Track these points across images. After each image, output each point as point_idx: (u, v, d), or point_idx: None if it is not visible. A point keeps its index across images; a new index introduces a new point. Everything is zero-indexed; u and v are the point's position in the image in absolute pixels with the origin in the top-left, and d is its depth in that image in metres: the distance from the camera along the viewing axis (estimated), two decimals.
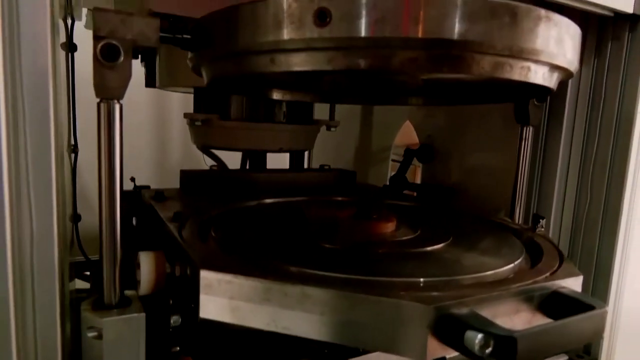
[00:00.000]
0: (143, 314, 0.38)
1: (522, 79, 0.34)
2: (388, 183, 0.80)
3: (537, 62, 0.34)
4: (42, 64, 0.32)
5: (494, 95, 0.53)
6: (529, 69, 0.34)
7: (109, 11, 0.36)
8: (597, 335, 0.32)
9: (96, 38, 0.35)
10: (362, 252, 0.42)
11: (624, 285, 0.59)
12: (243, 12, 0.34)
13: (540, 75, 0.35)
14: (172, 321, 0.40)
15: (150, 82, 0.76)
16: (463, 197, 0.74)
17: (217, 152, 0.77)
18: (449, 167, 0.78)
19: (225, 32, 0.36)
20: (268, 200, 0.62)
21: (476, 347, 0.28)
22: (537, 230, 0.53)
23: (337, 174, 0.77)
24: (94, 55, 0.36)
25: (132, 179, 0.67)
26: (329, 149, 1.11)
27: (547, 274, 0.37)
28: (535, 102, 0.58)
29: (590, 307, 0.32)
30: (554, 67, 0.36)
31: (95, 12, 0.35)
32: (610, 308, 0.58)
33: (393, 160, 1.04)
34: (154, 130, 1.28)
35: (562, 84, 0.60)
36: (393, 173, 0.86)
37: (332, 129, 0.79)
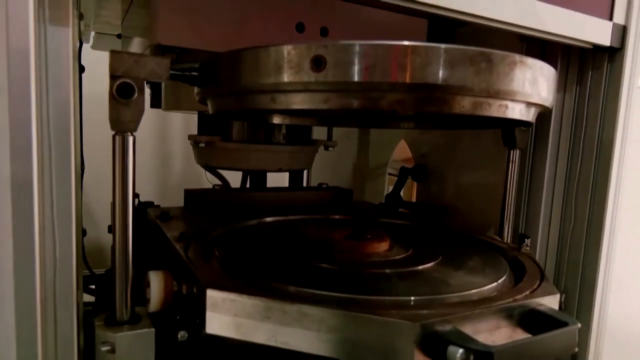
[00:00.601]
0: (153, 330, 0.41)
1: (501, 115, 0.38)
2: (384, 201, 0.83)
3: (513, 100, 0.38)
4: (65, 95, 0.36)
5: (480, 123, 0.56)
6: (506, 106, 0.38)
7: (123, 53, 0.40)
8: (570, 349, 0.35)
9: (112, 77, 0.39)
10: (356, 271, 0.46)
11: (608, 299, 0.63)
12: (247, 56, 0.38)
13: (517, 112, 0.39)
14: (179, 336, 0.43)
15: (155, 103, 0.80)
16: (455, 215, 0.77)
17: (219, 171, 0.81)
18: (442, 185, 0.81)
19: (230, 73, 0.40)
20: (268, 219, 0.66)
21: None
22: (523, 249, 0.56)
23: (334, 192, 0.81)
24: (110, 93, 0.40)
25: (136, 196, 0.70)
26: (327, 167, 1.15)
27: (527, 292, 0.41)
28: (522, 128, 0.61)
29: (564, 324, 0.35)
30: (529, 104, 0.40)
31: (111, 54, 0.39)
32: (595, 319, 0.62)
33: (390, 174, 1.08)
34: (156, 146, 1.32)
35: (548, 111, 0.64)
36: (390, 187, 0.89)
37: (330, 148, 0.82)
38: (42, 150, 0.34)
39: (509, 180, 0.63)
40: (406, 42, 0.33)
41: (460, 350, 0.31)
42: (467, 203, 0.76)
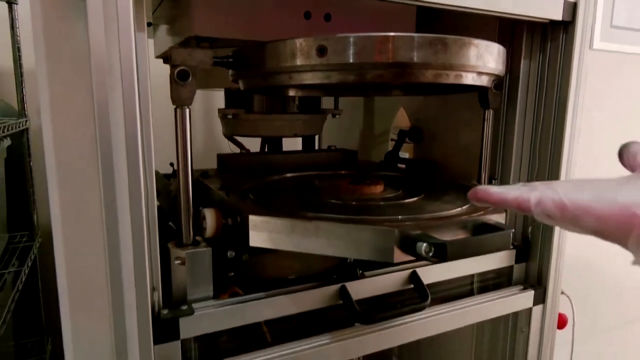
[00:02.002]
0: (210, 249, 0.58)
1: (457, 82, 0.52)
2: (384, 159, 0.98)
3: (465, 71, 0.52)
4: (144, 83, 0.51)
5: (450, 89, 0.70)
6: (460, 76, 0.52)
7: (180, 48, 0.55)
8: (504, 247, 0.50)
9: (173, 66, 0.54)
10: (356, 204, 0.61)
11: (566, 234, 0.78)
12: (270, 47, 0.53)
13: (470, 79, 0.54)
14: (228, 254, 0.60)
15: None
16: (444, 168, 0.92)
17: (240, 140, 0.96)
18: (433, 145, 0.96)
19: (258, 59, 0.55)
20: (287, 175, 0.82)
21: (423, 252, 0.47)
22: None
23: (341, 153, 0.96)
24: (171, 78, 0.55)
25: (172, 164, 0.86)
26: (337, 133, 1.30)
27: (482, 212, 0.56)
28: (494, 90, 0.76)
29: (501, 229, 0.51)
30: (480, 73, 0.54)
31: (171, 49, 0.54)
32: (555, 248, 0.77)
33: (392, 140, 1.23)
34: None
35: (516, 75, 0.78)
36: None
37: (337, 116, 0.97)
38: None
39: (484, 136, 0.77)
40: (383, 34, 0.48)
41: (425, 244, 0.47)
42: (454, 158, 0.91)
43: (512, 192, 0.36)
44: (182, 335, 0.54)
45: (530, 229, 0.79)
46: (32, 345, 1.40)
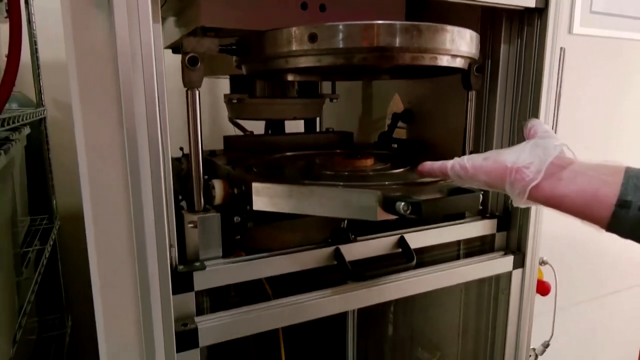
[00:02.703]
0: (218, 214, 0.66)
1: (432, 64, 0.60)
2: (377, 139, 1.06)
3: (439, 54, 0.60)
4: (160, 70, 0.59)
5: (439, 71, 0.78)
6: (435, 58, 0.60)
7: (190, 37, 0.63)
8: (473, 207, 0.58)
9: (184, 53, 0.62)
10: (348, 174, 0.69)
11: (542, 210, 0.85)
12: (269, 35, 0.60)
13: (444, 61, 0.61)
14: (234, 219, 0.68)
15: None
16: (433, 148, 0.99)
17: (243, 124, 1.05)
18: (424, 126, 1.04)
19: (258, 46, 0.63)
20: (288, 154, 0.90)
21: (402, 210, 0.55)
22: None
23: (339, 135, 1.04)
24: (182, 64, 0.63)
25: (181, 148, 0.94)
26: (338, 118, 1.39)
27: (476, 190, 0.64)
28: (475, 73, 0.83)
29: (472, 192, 0.59)
30: (453, 56, 0.62)
31: (182, 38, 0.62)
32: (532, 218, 0.84)
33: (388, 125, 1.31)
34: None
35: (496, 59, 0.85)
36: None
37: (334, 100, 1.05)
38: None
39: (467, 116, 0.85)
40: (366, 22, 0.56)
41: (402, 203, 0.55)
42: (442, 137, 0.98)
43: (438, 163, 0.53)
44: (196, 287, 0.62)
45: (510, 200, 0.87)
46: (53, 321, 1.51)
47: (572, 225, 0.76)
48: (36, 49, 1.36)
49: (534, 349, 1.07)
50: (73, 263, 1.58)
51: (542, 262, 1.06)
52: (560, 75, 0.96)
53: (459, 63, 0.64)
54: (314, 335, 0.85)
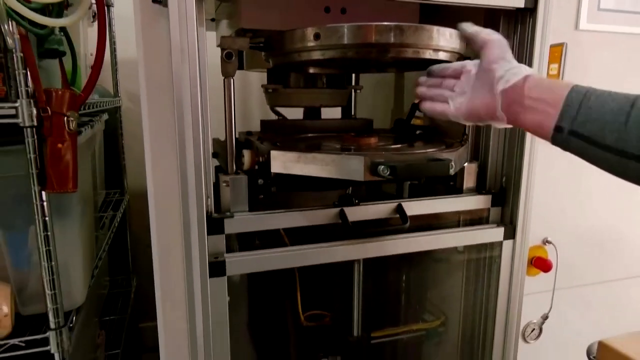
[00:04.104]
0: (246, 176, 0.84)
1: (415, 56, 0.74)
2: (393, 125, 1.20)
3: (422, 48, 0.74)
4: (203, 66, 0.78)
5: (430, 62, 0.91)
6: (417, 52, 0.74)
7: (227, 37, 0.81)
8: (442, 172, 0.71)
9: (222, 49, 0.81)
10: (350, 147, 0.85)
11: (533, 182, 0.96)
12: (287, 34, 0.78)
13: (427, 54, 0.75)
14: (259, 182, 0.86)
15: (239, 66, 1.23)
16: (445, 134, 1.12)
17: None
18: None
19: (280, 43, 0.80)
20: (310, 135, 1.07)
21: (382, 172, 0.70)
22: (463, 141, 0.92)
23: (360, 121, 1.20)
24: (221, 58, 0.82)
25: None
26: (372, 108, 1.54)
27: (436, 150, 0.78)
28: None
29: (443, 160, 0.73)
30: (435, 50, 0.76)
31: (221, 38, 0.81)
32: (522, 194, 0.95)
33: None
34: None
35: None
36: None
37: (358, 91, 1.21)
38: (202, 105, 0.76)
39: None
40: (358, 24, 0.71)
41: (382, 167, 0.70)
42: (452, 124, 1.11)
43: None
44: (226, 231, 0.81)
45: (504, 178, 0.99)
46: (121, 281, 1.78)
47: (584, 213, 0.86)
48: (114, 48, 1.63)
49: (535, 322, 1.17)
50: (138, 233, 1.85)
51: (546, 242, 1.16)
52: (562, 67, 1.06)
53: (442, 56, 0.78)
54: (328, 284, 1.02)
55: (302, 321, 1.01)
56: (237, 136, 0.98)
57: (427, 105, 0.72)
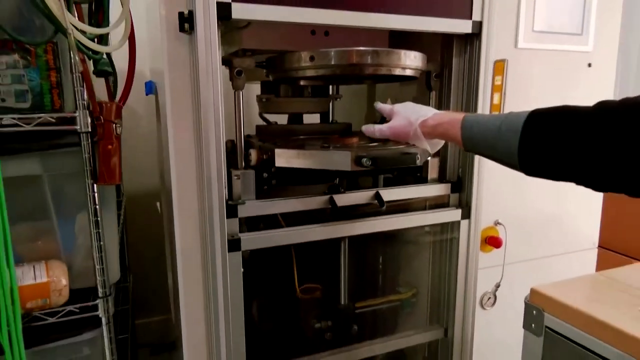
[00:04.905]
0: (253, 171, 1.04)
1: (388, 73, 0.97)
2: None
3: (393, 67, 0.97)
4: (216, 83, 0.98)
5: (399, 78, 1.14)
6: (390, 70, 0.97)
7: (237, 57, 1.02)
8: (411, 163, 0.94)
9: (233, 68, 1.01)
10: (339, 145, 1.07)
11: (483, 173, 1.20)
12: (287, 56, 0.99)
13: (397, 71, 0.98)
14: (264, 175, 1.07)
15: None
16: None
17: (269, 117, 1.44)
18: None
19: (280, 62, 1.01)
20: (301, 137, 1.28)
21: (364, 163, 0.92)
22: None
23: (341, 125, 1.42)
24: (231, 74, 1.02)
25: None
26: (349, 114, 1.77)
27: (410, 145, 1.00)
28: (434, 78, 1.19)
29: (413, 154, 0.95)
30: (402, 68, 0.99)
31: (232, 58, 1.01)
32: (475, 182, 1.20)
33: None
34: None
35: (450, 69, 1.21)
36: None
37: (338, 99, 1.43)
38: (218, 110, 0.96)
39: None
40: (344, 48, 0.94)
41: (365, 159, 0.92)
42: None
43: (369, 127, 0.93)
44: (239, 215, 1.01)
45: (460, 170, 1.23)
46: (120, 278, 1.93)
47: (526, 200, 1.10)
48: None
49: (490, 292, 1.42)
50: (134, 233, 2.01)
51: (497, 223, 1.41)
52: (505, 78, 1.32)
53: (409, 73, 1.02)
54: (319, 262, 1.23)
55: (298, 293, 1.22)
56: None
57: (362, 128, 0.98)
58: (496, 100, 1.36)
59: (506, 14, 1.24)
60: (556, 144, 0.59)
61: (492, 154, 0.72)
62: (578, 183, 0.60)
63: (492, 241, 1.38)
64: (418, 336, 1.31)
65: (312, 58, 0.95)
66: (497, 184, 1.37)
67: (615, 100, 0.57)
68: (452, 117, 0.80)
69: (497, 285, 1.40)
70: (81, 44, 0.82)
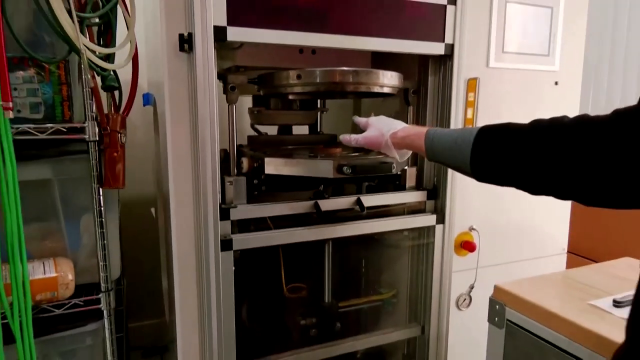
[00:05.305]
0: (244, 178, 1.15)
1: (368, 90, 1.09)
2: None
3: (372, 85, 1.09)
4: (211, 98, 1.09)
5: (379, 94, 1.26)
6: (369, 88, 1.08)
7: (231, 74, 1.13)
8: (387, 171, 1.06)
9: (226, 83, 1.12)
10: (323, 155, 1.18)
11: (456, 183, 1.32)
12: (276, 73, 1.11)
13: (376, 89, 1.10)
14: (254, 182, 1.17)
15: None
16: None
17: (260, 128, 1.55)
18: None
19: (270, 79, 1.13)
20: (289, 147, 1.39)
21: (345, 171, 1.03)
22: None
23: (327, 135, 1.53)
24: (225, 89, 1.13)
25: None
26: (335, 126, 1.88)
27: (385, 156, 1.12)
28: (411, 94, 1.31)
29: (387, 162, 1.07)
30: (381, 86, 1.10)
31: (226, 74, 1.12)
32: (448, 190, 1.31)
33: None
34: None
35: (426, 86, 1.33)
36: None
37: (324, 112, 1.55)
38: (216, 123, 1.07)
39: (408, 122, 1.33)
40: (327, 68, 1.05)
41: (346, 167, 1.04)
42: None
43: (346, 136, 1.02)
44: (232, 218, 1.12)
45: (435, 179, 1.34)
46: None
47: (502, 207, 1.21)
48: None
49: (465, 293, 1.52)
50: (127, 239, 2.10)
51: (472, 229, 1.53)
52: (477, 95, 1.44)
53: (386, 90, 1.13)
54: (305, 263, 1.34)
55: (285, 292, 1.32)
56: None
57: (340, 137, 1.09)
58: (469, 115, 1.48)
59: (479, 36, 1.37)
60: (499, 155, 0.71)
61: (450, 163, 0.83)
62: (518, 188, 0.71)
63: (467, 246, 1.50)
64: (397, 333, 1.41)
65: (299, 76, 1.06)
66: (472, 193, 1.49)
67: (545, 119, 0.68)
68: (418, 130, 0.91)
69: (471, 287, 1.51)
70: (92, 62, 0.93)
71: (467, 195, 1.42)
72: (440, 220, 1.33)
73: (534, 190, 0.68)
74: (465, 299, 1.55)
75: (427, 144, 0.87)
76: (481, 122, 1.40)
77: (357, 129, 1.13)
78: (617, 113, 0.57)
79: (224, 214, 1.10)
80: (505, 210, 1.56)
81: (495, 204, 1.55)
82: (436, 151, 0.85)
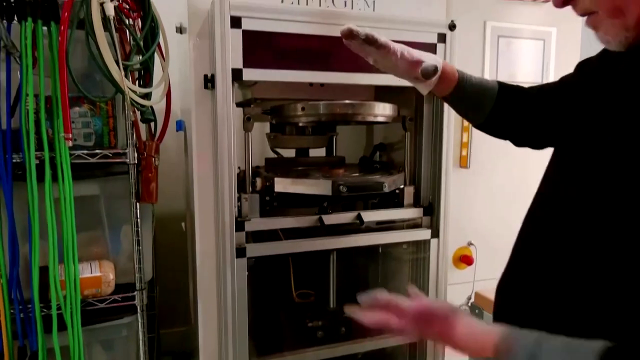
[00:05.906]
0: (258, 195, 1.35)
1: (363, 120, 1.27)
2: (359, 161, 1.73)
3: (366, 115, 1.27)
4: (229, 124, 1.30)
5: (375, 123, 1.44)
6: (364, 117, 1.27)
7: (248, 107, 1.34)
8: (379, 189, 1.23)
9: (245, 115, 1.33)
10: (325, 175, 1.37)
11: (449, 199, 1.47)
12: (286, 106, 1.31)
13: (370, 118, 1.28)
14: (266, 198, 1.37)
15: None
16: (397, 166, 1.65)
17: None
18: (389, 152, 1.70)
19: (280, 110, 1.33)
20: (300, 168, 1.59)
21: (341, 190, 1.22)
22: (400, 170, 1.44)
23: (336, 158, 1.72)
24: (243, 119, 1.34)
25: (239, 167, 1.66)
26: (350, 148, 2.07)
27: (379, 175, 1.29)
28: (408, 121, 1.49)
29: (379, 182, 1.24)
30: (375, 115, 1.29)
31: (244, 108, 1.33)
32: (442, 207, 1.47)
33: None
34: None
35: (421, 113, 1.50)
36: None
37: (335, 137, 1.74)
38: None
39: (406, 147, 1.50)
40: (328, 101, 1.25)
41: (342, 186, 1.22)
42: (399, 158, 1.64)
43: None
44: (246, 229, 1.31)
45: (431, 197, 1.50)
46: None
47: (496, 225, 1.39)
48: None
49: (463, 303, 1.66)
50: (160, 250, 2.33)
51: (470, 244, 1.67)
52: None
53: (380, 119, 1.32)
54: (312, 271, 1.52)
55: (294, 298, 1.50)
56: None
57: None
58: (465, 139, 1.65)
59: (474, 68, 1.54)
60: None
61: None
62: None
63: (465, 259, 1.64)
64: (397, 338, 1.56)
65: (303, 108, 1.26)
66: (471, 210, 1.64)
67: None
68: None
69: (469, 298, 1.65)
70: (133, 100, 1.16)
71: (466, 211, 1.57)
72: (435, 234, 1.49)
73: None
74: (464, 309, 1.68)
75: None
76: (476, 146, 1.56)
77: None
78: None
79: (239, 226, 1.30)
80: (502, 227, 1.69)
81: (493, 221, 1.69)
82: None
